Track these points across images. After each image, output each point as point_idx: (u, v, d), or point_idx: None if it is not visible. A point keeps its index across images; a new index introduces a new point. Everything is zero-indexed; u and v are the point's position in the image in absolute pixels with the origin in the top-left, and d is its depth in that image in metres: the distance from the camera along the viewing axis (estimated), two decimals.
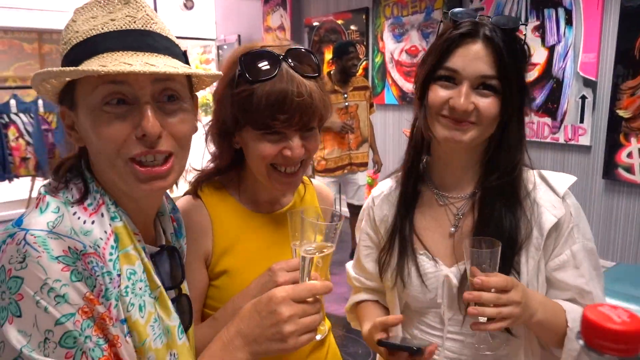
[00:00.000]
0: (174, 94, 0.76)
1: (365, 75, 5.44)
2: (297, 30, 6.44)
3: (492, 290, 0.88)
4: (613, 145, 3.56)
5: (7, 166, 4.97)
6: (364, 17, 5.43)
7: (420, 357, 0.93)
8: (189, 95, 0.81)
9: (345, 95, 4.00)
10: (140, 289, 0.75)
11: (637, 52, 3.35)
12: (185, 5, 7.93)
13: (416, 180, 1.11)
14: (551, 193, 1.03)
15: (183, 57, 0.80)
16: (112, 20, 0.73)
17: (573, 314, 0.97)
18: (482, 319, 0.90)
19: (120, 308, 0.71)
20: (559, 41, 3.78)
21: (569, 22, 3.70)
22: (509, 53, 0.96)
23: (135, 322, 0.73)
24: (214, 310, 1.03)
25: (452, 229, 1.07)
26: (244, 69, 0.93)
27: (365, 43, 5.46)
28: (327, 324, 1.01)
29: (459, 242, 1.04)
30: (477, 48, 0.95)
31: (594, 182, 3.77)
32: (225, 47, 7.73)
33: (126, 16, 0.73)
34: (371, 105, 4.19)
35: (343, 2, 5.73)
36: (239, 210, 1.07)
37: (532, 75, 3.93)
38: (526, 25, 1.02)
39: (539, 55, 3.89)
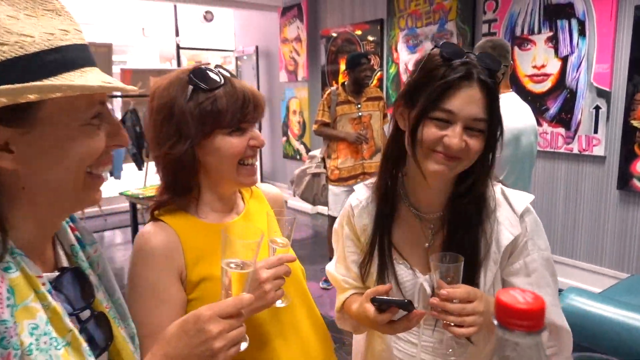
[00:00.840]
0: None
1: (380, 86, 5.50)
2: (313, 42, 6.54)
3: (456, 300, 0.97)
4: (628, 156, 3.54)
5: None
6: (378, 28, 5.50)
7: (410, 311, 1.00)
8: None
9: (359, 106, 4.06)
10: (45, 342, 0.67)
11: None
12: (205, 17, 8.13)
13: (393, 198, 1.19)
14: (510, 211, 1.12)
15: None
16: (63, 31, 0.67)
17: None
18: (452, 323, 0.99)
19: None
20: (572, 52, 3.78)
21: (582, 32, 3.70)
22: (494, 94, 1.03)
23: None
24: None
25: (427, 244, 1.17)
26: (200, 81, 1.06)
27: (379, 54, 5.52)
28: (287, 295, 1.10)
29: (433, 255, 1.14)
30: (472, 92, 1.01)
31: (608, 193, 3.74)
32: (244, 57, 7.89)
33: (75, 29, 0.70)
34: (385, 116, 4.24)
35: (359, 13, 5.81)
36: (200, 225, 1.12)
37: (545, 86, 3.94)
38: (507, 66, 1.09)
39: (552, 66, 3.90)
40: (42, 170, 0.69)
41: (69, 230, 0.86)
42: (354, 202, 1.26)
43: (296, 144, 7.13)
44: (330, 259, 1.38)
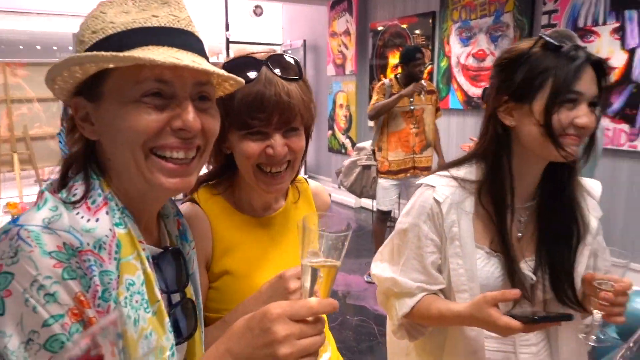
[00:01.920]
0: (207, 95, 0.78)
1: (430, 79, 5.40)
2: (362, 35, 6.50)
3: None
4: None
5: None
6: (430, 20, 5.39)
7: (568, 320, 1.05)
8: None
9: (412, 99, 4.00)
10: (137, 301, 0.71)
11: None
12: (254, 11, 8.22)
13: (502, 199, 1.17)
14: (589, 198, 1.22)
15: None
16: (154, 16, 0.72)
17: None
18: (597, 316, 1.09)
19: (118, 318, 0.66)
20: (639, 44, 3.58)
21: None
22: (605, 71, 1.10)
23: (128, 337, 0.68)
24: (215, 312, 1.04)
25: (519, 234, 1.21)
26: (233, 68, 0.98)
27: (430, 47, 5.42)
28: (330, 344, 0.97)
29: (524, 244, 1.21)
30: (591, 72, 1.07)
31: None
32: (289, 51, 7.94)
33: (169, 14, 0.74)
34: (437, 110, 4.16)
35: (410, 6, 5.72)
36: (234, 215, 1.10)
37: (609, 80, 3.74)
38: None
39: (617, 59, 3.70)
40: (111, 144, 0.74)
41: (174, 221, 0.91)
42: (440, 198, 1.18)
43: (342, 138, 7.12)
44: (375, 253, 1.37)
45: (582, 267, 1.19)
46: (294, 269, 0.94)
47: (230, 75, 0.79)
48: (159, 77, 0.70)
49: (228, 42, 7.98)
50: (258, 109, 0.96)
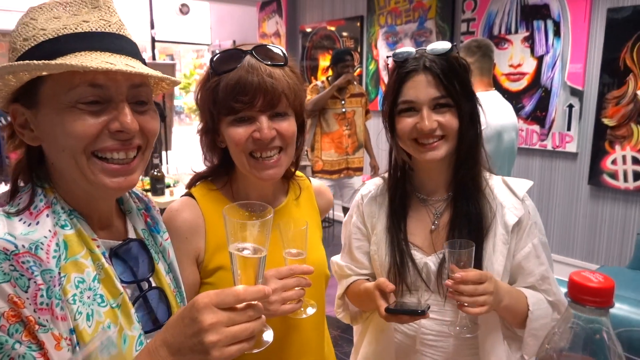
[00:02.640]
0: (143, 99, 0.79)
1: (359, 82, 5.56)
2: (292, 37, 6.55)
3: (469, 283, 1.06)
4: (598, 153, 3.71)
5: (5, 168, 5.00)
6: (358, 24, 5.55)
7: (422, 317, 1.09)
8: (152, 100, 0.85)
9: (343, 102, 4.10)
10: (89, 297, 0.74)
11: (622, 62, 3.50)
12: (180, 10, 8.00)
13: (402, 192, 1.29)
14: (512, 196, 1.24)
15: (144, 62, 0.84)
16: (84, 21, 0.74)
17: (532, 298, 1.18)
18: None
19: (68, 314, 0.70)
20: (547, 51, 3.93)
21: (557, 33, 3.85)
22: (449, 72, 1.14)
23: (81, 331, 0.71)
24: None
25: (432, 227, 1.26)
26: (212, 64, 1.03)
27: (359, 50, 5.58)
28: (318, 304, 1.07)
29: (436, 236, 1.25)
30: (421, 78, 1.14)
31: (579, 187, 3.91)
32: (217, 51, 7.81)
33: (100, 19, 0.75)
34: (367, 112, 4.30)
35: (338, 10, 5.85)
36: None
37: (521, 84, 4.08)
38: (457, 52, 1.20)
39: (528, 65, 4.04)
40: (52, 149, 0.76)
41: (140, 215, 0.95)
42: (364, 192, 1.37)
43: None
44: None
45: (499, 265, 1.18)
46: (274, 270, 0.96)
47: (165, 76, 0.81)
48: (92, 82, 0.71)
49: (153, 40, 7.71)
50: (241, 92, 0.98)
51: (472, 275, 1.05)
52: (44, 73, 0.70)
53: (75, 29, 0.73)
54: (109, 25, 0.76)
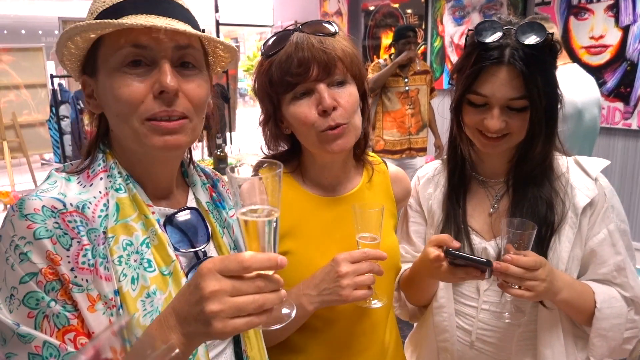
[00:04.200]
0: (191, 61, 0.79)
1: (424, 60, 5.35)
2: (354, 16, 6.41)
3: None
4: None
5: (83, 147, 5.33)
6: (422, 0, 5.33)
7: (485, 274, 0.97)
8: (205, 68, 0.84)
9: (406, 80, 3.97)
10: (136, 260, 0.74)
11: None
12: None
13: (461, 170, 1.22)
14: (584, 176, 1.13)
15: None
16: None
17: (602, 295, 1.07)
18: (513, 286, 1.00)
19: (113, 275, 0.71)
20: (635, 20, 3.56)
21: None
22: (535, 68, 1.02)
23: (125, 293, 0.72)
24: None
25: (491, 210, 1.18)
26: (263, 48, 1.01)
27: (423, 27, 5.37)
28: (387, 298, 1.01)
29: (496, 221, 1.16)
30: (502, 75, 1.02)
31: None
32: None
33: None
34: (432, 90, 4.14)
35: None
36: (302, 194, 1.09)
37: (603, 58, 3.75)
38: (552, 34, 1.05)
39: (611, 36, 3.69)
40: (109, 115, 0.80)
41: (205, 189, 0.95)
42: (421, 173, 1.32)
43: None
44: None
45: (564, 251, 1.08)
46: (347, 253, 0.94)
47: (211, 37, 0.81)
48: (135, 42, 0.73)
49: (218, 24, 7.85)
50: (294, 65, 0.95)
51: (525, 261, 0.97)
52: (91, 35, 0.74)
53: None
54: None
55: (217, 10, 7.63)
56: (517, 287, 0.99)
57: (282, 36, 1.00)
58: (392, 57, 4.05)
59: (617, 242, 1.09)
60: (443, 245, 1.01)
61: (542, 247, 1.08)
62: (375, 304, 1.00)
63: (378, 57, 5.92)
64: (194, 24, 0.81)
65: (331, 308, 0.99)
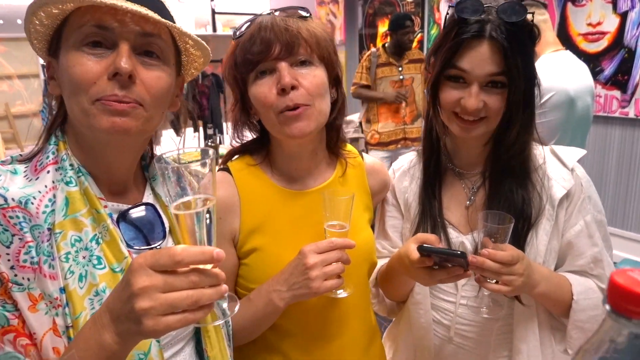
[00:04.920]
0: (156, 51, 0.77)
1: (420, 48, 5.29)
2: (350, 3, 6.33)
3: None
4: None
5: None
6: None
7: (461, 265, 0.93)
8: (174, 64, 0.82)
9: (400, 68, 3.92)
10: (84, 257, 0.71)
11: None
12: None
13: (437, 161, 1.18)
14: (561, 166, 1.10)
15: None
16: None
17: (579, 287, 1.05)
18: (490, 281, 0.97)
19: (59, 272, 0.69)
20: (633, 6, 3.49)
21: None
22: (515, 45, 1.00)
23: (71, 291, 0.69)
24: (245, 289, 1.02)
25: (468, 202, 1.15)
26: (235, 31, 0.98)
27: (420, 14, 5.29)
28: (354, 286, 0.99)
29: (473, 214, 1.13)
30: (483, 50, 1.00)
31: None
32: None
33: None
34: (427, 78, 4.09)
35: None
36: (270, 187, 1.05)
37: (600, 45, 3.67)
38: (533, 13, 1.02)
39: (609, 23, 3.61)
40: (65, 95, 0.77)
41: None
42: (396, 166, 1.27)
43: None
44: None
45: (542, 244, 1.06)
46: (313, 244, 0.91)
47: (179, 28, 0.78)
48: (98, 22, 0.71)
49: (214, 12, 7.77)
50: (257, 43, 0.92)
51: (502, 256, 0.93)
52: (54, 10, 0.72)
53: None
54: None
55: None
56: (494, 281, 0.96)
57: (252, 19, 0.97)
58: (385, 46, 3.99)
59: (594, 234, 1.07)
60: (421, 242, 0.98)
61: (519, 241, 1.05)
62: (341, 293, 0.97)
63: (375, 46, 5.86)
64: (165, 15, 0.78)
65: (298, 303, 0.96)
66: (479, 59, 1.00)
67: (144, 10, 0.72)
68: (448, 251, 0.95)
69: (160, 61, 0.78)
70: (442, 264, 0.97)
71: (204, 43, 0.85)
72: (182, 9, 8.78)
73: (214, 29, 7.86)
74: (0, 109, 5.78)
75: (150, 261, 0.57)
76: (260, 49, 0.92)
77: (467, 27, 1.00)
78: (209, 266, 0.60)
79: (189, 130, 6.47)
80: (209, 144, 3.58)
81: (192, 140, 6.83)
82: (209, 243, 0.63)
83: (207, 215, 0.62)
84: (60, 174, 0.75)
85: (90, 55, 0.72)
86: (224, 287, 0.61)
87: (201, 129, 6.18)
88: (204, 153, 0.62)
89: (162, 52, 0.78)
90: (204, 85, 5.94)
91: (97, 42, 0.72)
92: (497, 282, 0.96)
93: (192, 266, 0.59)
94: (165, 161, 0.62)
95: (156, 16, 0.74)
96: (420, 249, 0.95)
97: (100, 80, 0.72)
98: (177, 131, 6.33)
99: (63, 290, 0.68)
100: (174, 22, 0.80)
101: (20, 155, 0.80)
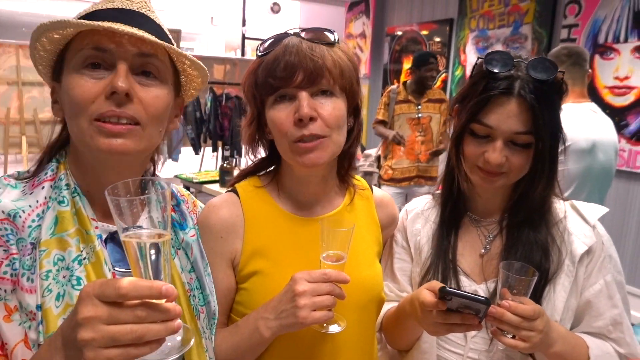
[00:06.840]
0: (153, 71, 0.79)
1: (444, 88, 5.30)
2: (378, 39, 6.41)
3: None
4: None
5: None
6: (447, 28, 5.29)
7: (481, 312, 0.87)
8: (171, 83, 0.83)
9: (419, 107, 3.91)
10: (65, 277, 0.71)
11: None
12: (272, 9, 8.18)
13: (454, 206, 1.15)
14: (582, 222, 1.07)
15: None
16: (111, 1, 0.81)
17: (597, 350, 1.00)
18: (507, 335, 0.92)
19: (38, 288, 0.69)
20: None
21: None
22: (543, 103, 0.97)
23: (47, 310, 0.69)
24: (241, 316, 0.98)
25: (483, 250, 1.11)
26: (258, 49, 0.97)
27: (446, 54, 5.32)
28: (346, 322, 0.92)
29: (487, 263, 1.10)
30: (511, 107, 0.98)
31: None
32: None
33: (125, 0, 0.81)
34: (447, 120, 4.08)
35: (427, 12, 5.62)
36: (276, 211, 1.02)
37: (627, 99, 3.62)
38: (563, 73, 1.01)
39: (637, 78, 3.57)
40: (67, 117, 0.79)
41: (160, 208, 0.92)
42: (409, 207, 1.24)
43: None
44: None
45: (560, 301, 1.01)
46: (305, 272, 0.87)
47: (175, 48, 0.80)
48: (97, 45, 0.74)
49: (244, 37, 7.96)
50: (279, 67, 0.90)
51: (524, 309, 0.88)
52: (55, 35, 0.75)
53: (101, 7, 0.79)
54: (131, 4, 0.81)
55: (244, 24, 7.74)
56: (510, 336, 0.90)
57: (278, 38, 0.95)
58: (406, 83, 4.01)
59: (614, 295, 1.03)
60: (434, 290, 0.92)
61: (535, 295, 0.99)
62: (333, 328, 0.91)
63: (399, 82, 5.90)
64: (163, 37, 0.81)
65: (286, 336, 0.91)
66: (506, 116, 0.98)
67: (140, 32, 0.74)
68: (472, 296, 0.87)
69: (158, 80, 0.80)
70: (458, 310, 0.90)
71: (201, 63, 0.87)
72: (214, 32, 9.05)
73: (243, 53, 8.04)
74: (28, 114, 5.93)
75: (97, 291, 0.56)
76: (282, 75, 0.90)
77: (495, 83, 0.98)
78: (163, 300, 0.58)
79: (208, 150, 6.53)
80: (225, 165, 3.60)
81: (210, 159, 6.89)
82: (159, 277, 0.61)
83: (153, 252, 0.60)
84: (55, 193, 0.77)
85: (89, 77, 0.74)
86: (177, 322, 0.59)
87: (220, 149, 6.23)
88: (159, 186, 0.62)
89: (159, 72, 0.80)
90: (227, 106, 6.03)
91: (97, 64, 0.75)
92: (513, 337, 0.90)
93: (144, 300, 0.56)
94: (119, 188, 0.62)
95: (152, 37, 0.76)
96: (442, 290, 0.88)
97: (99, 100, 0.73)
98: (197, 150, 6.41)
99: (39, 307, 0.69)
100: (172, 44, 0.82)
101: (28, 172, 0.83)
